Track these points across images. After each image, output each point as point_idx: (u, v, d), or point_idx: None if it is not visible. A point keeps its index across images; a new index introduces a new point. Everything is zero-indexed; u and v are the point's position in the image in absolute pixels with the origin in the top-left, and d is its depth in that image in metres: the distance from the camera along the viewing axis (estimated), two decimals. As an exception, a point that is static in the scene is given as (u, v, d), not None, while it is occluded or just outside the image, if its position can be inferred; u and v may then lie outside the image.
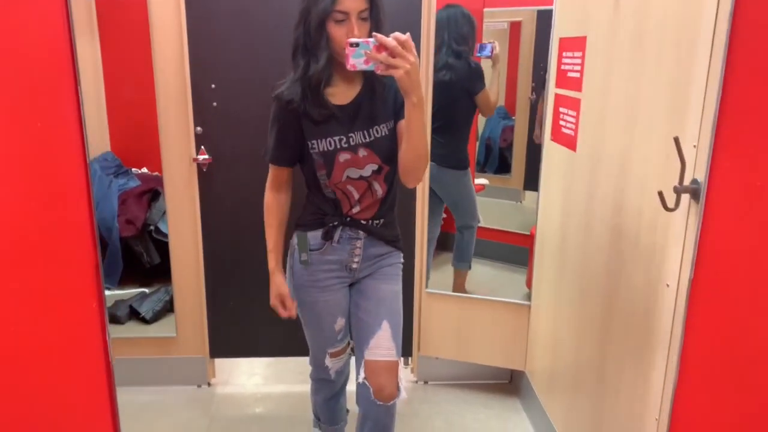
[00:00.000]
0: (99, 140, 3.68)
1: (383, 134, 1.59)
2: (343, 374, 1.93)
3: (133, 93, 3.44)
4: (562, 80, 2.11)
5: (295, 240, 1.71)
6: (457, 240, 2.98)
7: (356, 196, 1.63)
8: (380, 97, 1.59)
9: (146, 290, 3.34)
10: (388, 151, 1.60)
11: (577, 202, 1.96)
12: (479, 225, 3.00)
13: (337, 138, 1.57)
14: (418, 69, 1.38)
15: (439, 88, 2.52)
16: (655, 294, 1.45)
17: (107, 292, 3.34)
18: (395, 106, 1.58)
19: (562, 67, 2.11)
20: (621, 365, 1.65)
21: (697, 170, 1.26)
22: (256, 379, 2.84)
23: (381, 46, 1.36)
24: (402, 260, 1.80)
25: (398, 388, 1.69)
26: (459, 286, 2.93)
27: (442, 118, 2.61)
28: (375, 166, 1.60)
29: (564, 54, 2.09)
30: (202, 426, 2.44)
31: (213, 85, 2.37)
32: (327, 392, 1.95)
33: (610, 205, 1.71)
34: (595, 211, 1.82)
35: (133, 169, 3.79)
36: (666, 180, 1.37)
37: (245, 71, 2.37)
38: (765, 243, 1.12)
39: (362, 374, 1.70)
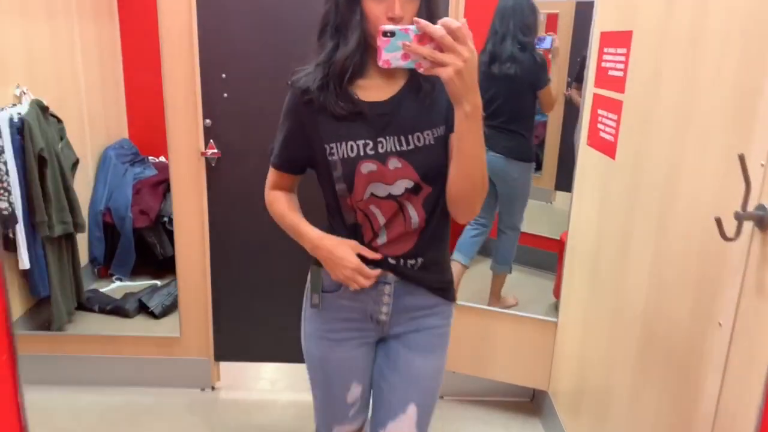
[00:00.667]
0: (116, 127, 3.59)
1: (426, 143, 1.22)
2: None
3: (151, 79, 3.32)
4: (603, 79, 1.90)
5: (309, 277, 1.38)
6: (501, 241, 2.82)
7: (381, 221, 1.26)
8: (428, 98, 1.23)
9: (158, 282, 3.26)
10: (431, 167, 1.23)
11: (615, 216, 1.76)
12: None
13: (361, 142, 1.21)
14: (475, 67, 1.02)
15: (504, 81, 2.36)
16: (703, 332, 1.25)
17: (118, 284, 3.34)
18: (448, 112, 1.19)
19: (603, 64, 1.90)
20: (659, 401, 1.45)
21: (765, 194, 1.06)
22: (262, 384, 2.71)
23: (425, 36, 1.02)
24: (451, 320, 1.40)
25: None
26: (497, 290, 2.78)
27: (508, 112, 2.49)
28: (410, 183, 1.23)
29: (605, 50, 1.89)
30: (202, 434, 2.32)
31: (224, 75, 2.23)
32: None
33: (652, 224, 1.51)
34: (634, 228, 1.62)
35: (150, 158, 3.71)
36: (724, 203, 1.17)
37: (258, 61, 2.21)
38: None
39: None
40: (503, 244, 2.80)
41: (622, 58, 1.74)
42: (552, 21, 2.93)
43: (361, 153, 1.21)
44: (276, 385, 2.70)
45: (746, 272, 1.11)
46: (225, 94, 2.25)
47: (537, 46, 2.56)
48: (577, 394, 2.06)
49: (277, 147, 1.32)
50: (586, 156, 2.04)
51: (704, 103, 1.29)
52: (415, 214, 1.26)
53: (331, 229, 1.31)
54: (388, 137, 1.21)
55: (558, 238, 2.87)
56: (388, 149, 1.21)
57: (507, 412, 2.50)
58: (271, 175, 1.37)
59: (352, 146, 1.21)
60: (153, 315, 2.95)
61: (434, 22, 1.01)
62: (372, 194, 1.24)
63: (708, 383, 1.23)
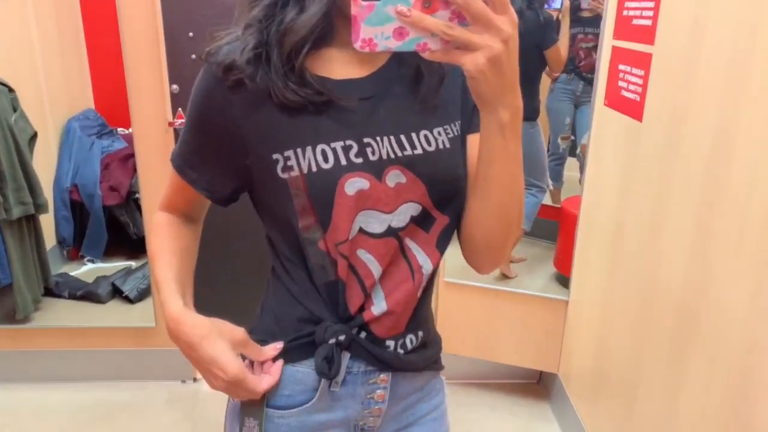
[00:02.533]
0: (80, 96, 3.30)
1: (441, 146, 0.78)
2: None
3: (118, 43, 3.07)
4: (624, 29, 1.67)
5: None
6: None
7: (376, 273, 0.78)
8: (435, 77, 0.79)
9: (133, 264, 3.04)
10: (448, 183, 0.79)
11: (643, 185, 1.55)
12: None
13: (339, 145, 0.74)
14: (517, 51, 0.63)
15: None
16: (761, 328, 1.06)
17: (90, 266, 3.11)
18: (465, 103, 0.81)
19: (625, 12, 1.67)
20: (704, 400, 1.27)
21: None
22: (249, 372, 2.52)
23: (437, 1, 0.59)
24: (445, 391, 0.95)
25: None
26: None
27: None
28: (417, 209, 0.78)
29: (627, -5, 1.65)
30: (184, 430, 2.12)
31: (191, 34, 1.98)
32: None
33: (694, 198, 1.30)
34: (670, 202, 1.41)
35: (119, 130, 3.44)
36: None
37: (230, 16, 1.95)
38: None
39: None
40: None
41: (651, 4, 1.51)
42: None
43: (343, 162, 0.73)
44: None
45: (833, 258, 0.91)
46: (193, 56, 1.99)
47: (547, 6, 2.48)
48: (596, 379, 1.89)
49: (185, 154, 0.82)
50: (603, 118, 1.82)
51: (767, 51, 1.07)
52: (426, 260, 0.79)
53: (285, 293, 0.82)
54: (379, 137, 0.75)
55: (559, 206, 2.70)
56: (383, 155, 0.75)
57: (513, 395, 2.34)
58: (168, 187, 0.87)
59: (324, 152, 0.73)
60: (128, 299, 2.74)
61: None
62: (361, 230, 0.76)
63: (764, 385, 1.04)
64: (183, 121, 1.99)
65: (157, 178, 2.13)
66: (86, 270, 3.06)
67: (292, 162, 0.73)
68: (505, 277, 2.52)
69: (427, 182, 0.76)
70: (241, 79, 0.72)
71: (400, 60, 0.78)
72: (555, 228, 2.53)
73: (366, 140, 0.74)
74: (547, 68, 2.61)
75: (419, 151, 0.76)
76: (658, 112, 1.49)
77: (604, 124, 1.82)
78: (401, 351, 0.82)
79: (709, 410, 1.24)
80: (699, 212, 1.28)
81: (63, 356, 2.35)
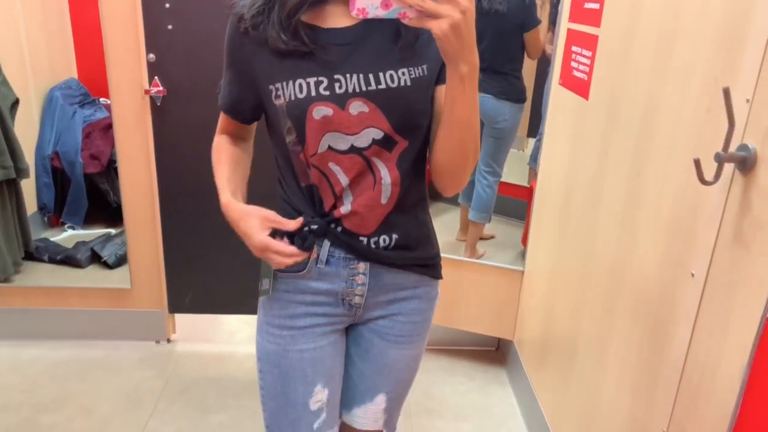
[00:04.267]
0: (63, 66, 3.35)
1: (402, 84, 0.98)
2: None
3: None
4: (577, 12, 1.77)
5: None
6: (481, 186, 2.73)
7: (344, 181, 1.02)
8: (409, 30, 0.98)
9: (112, 231, 3.11)
10: (406, 113, 1.00)
11: (587, 159, 1.66)
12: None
13: (312, 80, 0.97)
14: (473, 19, 0.84)
15: (493, 18, 2.27)
16: (674, 282, 1.17)
17: (71, 232, 3.17)
18: (434, 53, 0.98)
19: (579, -4, 1.76)
20: (626, 353, 1.39)
21: (749, 133, 0.96)
22: (220, 336, 2.62)
23: None
24: (437, 300, 1.21)
25: None
26: (473, 241, 2.69)
27: (497, 52, 2.43)
28: (379, 134, 0.99)
29: (582, -20, 1.74)
30: (155, 388, 2.22)
31: (167, 5, 2.04)
32: None
33: (626, 167, 1.41)
34: (607, 173, 1.52)
35: (102, 100, 3.48)
36: (703, 144, 1.07)
37: (205, -11, 2.02)
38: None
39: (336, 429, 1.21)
40: (483, 190, 2.72)
41: (599, -12, 1.61)
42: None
43: (313, 93, 0.97)
44: (235, 336, 2.60)
45: (723, 219, 1.02)
46: (169, 26, 2.06)
47: None
48: (543, 344, 2.01)
49: (223, 86, 1.11)
50: (558, 97, 1.92)
51: (688, 33, 1.17)
52: (386, 174, 1.02)
53: (284, 196, 1.10)
54: (349, 74, 0.97)
55: (528, 186, 2.79)
56: (350, 89, 0.97)
57: (471, 361, 2.46)
58: (220, 120, 1.16)
59: (300, 85, 0.97)
60: (106, 265, 2.81)
61: None
62: (330, 147, 1.00)
63: (677, 335, 1.15)
64: (159, 89, 2.07)
65: (133, 144, 2.19)
66: (66, 236, 3.13)
67: (280, 92, 0.99)
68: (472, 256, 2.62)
69: (386, 112, 0.98)
70: (247, 28, 0.98)
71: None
72: (525, 207, 2.63)
73: (336, 77, 0.97)
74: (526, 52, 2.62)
75: (383, 86, 0.98)
76: (601, 90, 1.59)
77: (558, 103, 1.92)
78: (374, 246, 1.06)
79: (629, 363, 1.36)
80: (629, 182, 1.39)
81: (40, 315, 2.43)
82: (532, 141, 2.99)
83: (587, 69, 1.66)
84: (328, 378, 1.13)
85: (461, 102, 0.90)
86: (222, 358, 2.44)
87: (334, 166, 1.01)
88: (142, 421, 2.05)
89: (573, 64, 1.78)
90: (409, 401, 2.19)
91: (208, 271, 2.39)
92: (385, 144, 1.00)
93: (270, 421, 1.16)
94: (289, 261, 0.99)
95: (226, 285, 2.41)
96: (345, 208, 1.03)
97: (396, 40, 0.99)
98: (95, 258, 2.86)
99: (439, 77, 1.01)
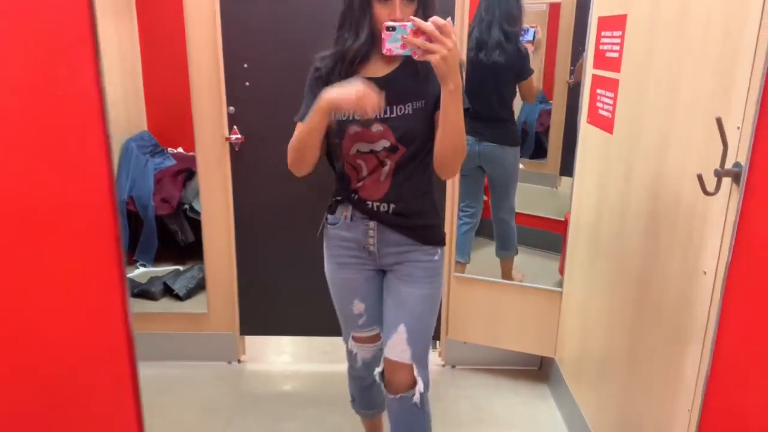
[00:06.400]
0: (136, 120, 3.74)
1: (405, 113, 1.51)
2: (370, 368, 1.81)
3: (169, 73, 3.48)
4: (600, 60, 2.04)
5: None
6: (500, 227, 2.92)
7: (364, 172, 1.57)
8: (421, 76, 1.51)
9: (180, 268, 3.39)
10: (406, 132, 1.52)
11: (613, 187, 1.91)
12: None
13: (352, 111, 1.46)
14: (457, 55, 1.32)
15: (492, 69, 2.45)
16: (691, 282, 1.40)
17: (143, 269, 3.49)
18: (431, 91, 1.50)
19: (601, 47, 2.04)
20: (653, 355, 1.60)
21: (740, 153, 1.20)
22: (284, 357, 2.87)
23: (418, 31, 1.31)
24: (436, 258, 1.64)
25: (415, 385, 1.65)
26: (507, 273, 2.88)
27: (495, 101, 2.59)
28: (387, 143, 1.53)
29: (603, 33, 2.02)
30: (231, 402, 2.47)
31: (245, 65, 2.37)
32: (357, 383, 1.90)
33: (646, 190, 1.65)
34: (631, 196, 1.76)
35: (169, 149, 3.85)
36: (707, 163, 1.32)
37: (277, 51, 2.36)
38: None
39: (381, 366, 1.72)
40: (504, 230, 2.91)
41: (618, 40, 1.88)
42: (555, 10, 3.04)
43: (350, 118, 1.50)
44: (296, 357, 2.86)
45: (725, 223, 1.25)
46: (247, 83, 2.39)
47: (521, 38, 2.64)
48: (582, 360, 2.21)
49: (302, 110, 1.57)
50: (586, 134, 2.18)
51: (691, 75, 1.43)
52: (388, 165, 1.56)
53: (333, 180, 1.65)
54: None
55: (563, 219, 2.99)
56: (374, 116, 1.45)
57: (516, 379, 2.65)
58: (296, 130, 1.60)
59: (345, 113, 1.50)
60: (177, 297, 3.09)
61: (426, 21, 1.31)
62: (357, 150, 1.54)
63: (695, 330, 1.37)
64: (237, 136, 2.40)
65: (214, 184, 2.51)
66: (139, 273, 3.43)
67: (333, 116, 1.48)
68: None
69: (393, 131, 1.52)
70: (320, 75, 1.54)
71: (406, 68, 1.52)
72: (560, 240, 2.79)
73: None
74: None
75: (394, 115, 1.52)
76: (622, 125, 1.84)
77: (587, 139, 2.18)
78: (376, 210, 1.59)
79: (655, 369, 1.57)
80: (649, 201, 1.63)
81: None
82: (564, 179, 3.15)
83: (611, 108, 1.93)
84: (363, 296, 1.70)
85: (451, 108, 1.38)
86: (286, 376, 2.69)
87: (359, 162, 1.56)
88: (220, 429, 2.30)
89: (598, 104, 2.04)
90: (459, 412, 2.40)
91: (275, 297, 2.66)
92: (391, 150, 1.54)
93: (339, 317, 1.78)
94: (375, 105, 1.37)
95: (290, 309, 2.68)
96: (360, 186, 1.58)
97: (413, 74, 1.51)
98: (167, 291, 3.16)
99: (435, 106, 1.49)
